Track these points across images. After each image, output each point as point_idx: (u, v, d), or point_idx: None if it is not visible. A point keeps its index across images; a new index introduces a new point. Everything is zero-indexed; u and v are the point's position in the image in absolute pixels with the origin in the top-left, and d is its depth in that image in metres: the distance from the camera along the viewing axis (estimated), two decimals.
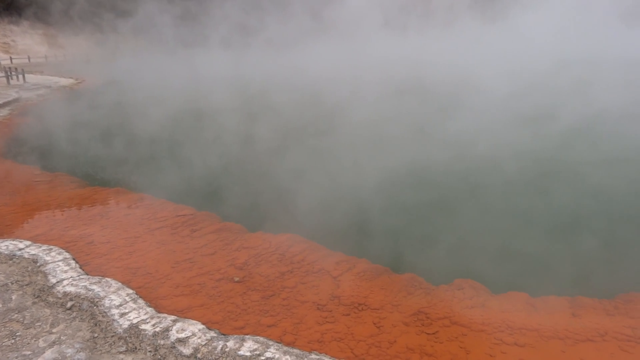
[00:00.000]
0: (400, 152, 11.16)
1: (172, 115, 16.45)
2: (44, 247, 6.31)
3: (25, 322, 4.60)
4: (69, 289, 5.16)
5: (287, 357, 3.97)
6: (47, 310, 4.82)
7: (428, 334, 4.80)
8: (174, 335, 4.32)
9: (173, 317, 4.66)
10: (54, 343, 4.25)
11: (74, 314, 4.74)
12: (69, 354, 4.08)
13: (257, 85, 21.51)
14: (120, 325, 4.51)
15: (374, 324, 5.00)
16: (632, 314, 5.05)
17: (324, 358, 4.00)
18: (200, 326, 4.50)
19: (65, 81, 29.71)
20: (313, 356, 4.01)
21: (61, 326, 4.54)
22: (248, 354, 4.02)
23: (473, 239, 7.13)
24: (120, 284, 5.32)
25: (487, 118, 13.32)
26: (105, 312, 4.72)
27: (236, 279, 5.96)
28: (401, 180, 9.39)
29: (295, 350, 4.10)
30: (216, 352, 4.07)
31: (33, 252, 6.08)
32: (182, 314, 5.05)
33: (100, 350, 4.18)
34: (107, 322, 4.57)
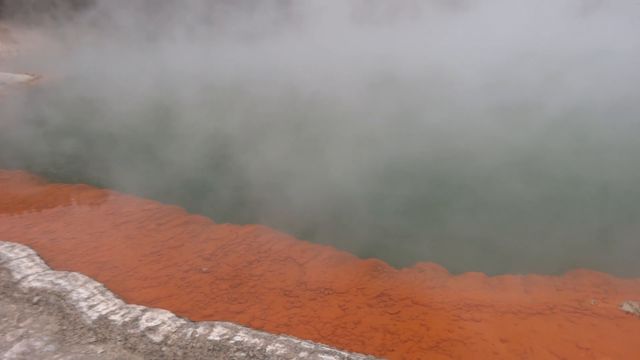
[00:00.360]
0: (367, 144, 11.35)
1: (136, 111, 16.19)
2: (6, 244, 6.23)
3: None
4: (34, 284, 5.14)
5: (256, 340, 4.12)
6: (13, 306, 4.80)
7: (391, 314, 5.03)
8: (143, 324, 4.40)
9: (142, 307, 4.73)
10: (21, 337, 4.26)
11: (41, 308, 4.75)
12: (38, 347, 4.11)
13: (226, 79, 21.32)
14: (89, 317, 4.55)
15: (340, 306, 5.19)
16: (578, 289, 5.41)
17: (291, 339, 4.16)
18: (170, 314, 4.59)
19: (21, 77, 28.67)
20: (281, 338, 4.17)
21: (28, 320, 4.55)
22: (217, 338, 4.15)
23: (435, 225, 7.42)
24: (87, 277, 5.33)
25: (462, 110, 13.59)
26: (73, 305, 4.75)
27: (204, 269, 6.05)
28: (365, 171, 9.59)
29: (264, 333, 4.25)
30: (186, 338, 4.18)
31: None
32: (151, 304, 5.11)
33: (70, 341, 4.23)
34: (76, 314, 4.60)
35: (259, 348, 4.00)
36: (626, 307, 4.99)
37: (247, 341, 4.09)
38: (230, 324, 4.41)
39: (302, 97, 16.51)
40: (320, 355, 3.91)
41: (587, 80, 15.52)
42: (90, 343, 4.19)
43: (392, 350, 4.45)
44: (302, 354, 3.92)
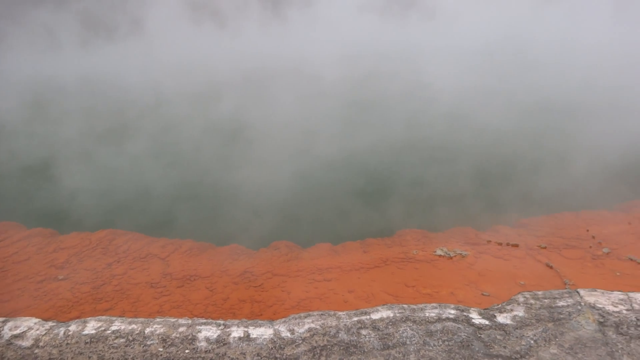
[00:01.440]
0: (211, 143, 11.48)
1: None
2: None
3: None
4: None
5: (133, 325, 4.34)
6: None
7: (255, 286, 5.62)
8: (7, 333, 4.28)
9: (2, 319, 4.55)
10: None
11: None
12: None
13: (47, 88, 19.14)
14: None
15: (207, 288, 5.60)
16: (403, 244, 6.61)
17: (168, 319, 4.47)
18: (36, 320, 4.52)
19: None
20: (158, 319, 4.45)
21: None
22: (93, 331, 4.27)
23: (282, 208, 8.11)
24: None
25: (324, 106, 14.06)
26: None
27: (60, 277, 5.90)
28: (209, 165, 9.82)
29: (140, 319, 4.48)
30: (59, 337, 4.21)
31: None
32: None
33: None
34: None
35: (137, 332, 4.24)
36: (438, 252, 6.30)
37: (124, 328, 4.29)
38: (104, 317, 4.53)
39: (143, 105, 15.71)
40: (198, 327, 4.31)
41: (414, 76, 17.30)
42: None
43: (261, 314, 5.04)
44: (181, 329, 4.28)
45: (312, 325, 4.30)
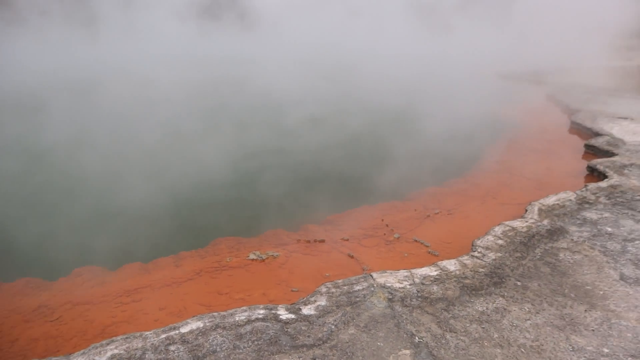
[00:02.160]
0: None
1: None
2: None
3: None
4: None
5: None
6: None
7: (51, 321, 5.04)
8: None
9: None
10: None
11: None
12: None
13: None
14: None
15: None
16: (217, 252, 6.60)
17: None
18: None
19: None
20: None
21: None
22: None
23: (89, 231, 7.44)
24: None
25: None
26: None
27: None
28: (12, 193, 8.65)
29: None
30: None
31: None
32: None
33: None
34: None
35: None
36: (251, 256, 6.43)
37: None
38: None
39: None
40: None
41: (248, 81, 17.46)
42: None
43: (58, 351, 4.55)
44: None
45: (116, 351, 4.04)
